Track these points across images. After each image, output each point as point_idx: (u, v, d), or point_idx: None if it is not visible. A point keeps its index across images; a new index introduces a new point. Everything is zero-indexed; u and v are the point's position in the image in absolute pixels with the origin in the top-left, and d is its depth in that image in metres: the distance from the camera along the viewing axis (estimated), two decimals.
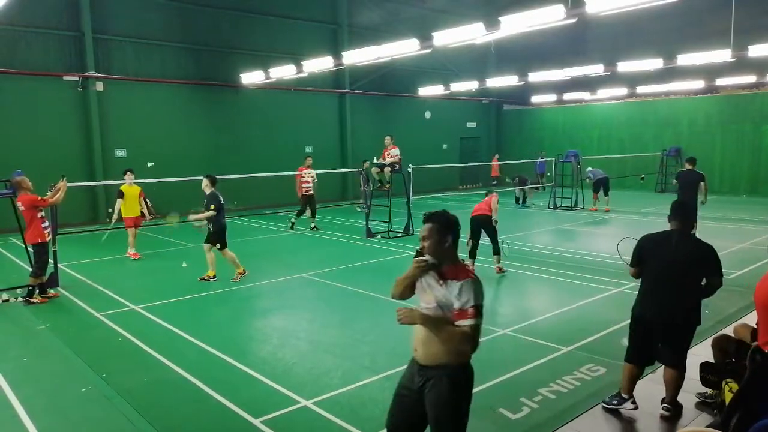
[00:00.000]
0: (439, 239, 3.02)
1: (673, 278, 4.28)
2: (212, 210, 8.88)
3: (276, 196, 19.24)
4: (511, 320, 7.04)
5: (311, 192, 14.55)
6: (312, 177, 14.62)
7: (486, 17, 12.68)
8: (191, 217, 9.16)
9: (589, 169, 17.78)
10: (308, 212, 14.57)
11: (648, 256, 4.46)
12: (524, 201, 19.71)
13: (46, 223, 8.39)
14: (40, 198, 8.24)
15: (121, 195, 11.14)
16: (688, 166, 12.89)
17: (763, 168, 21.37)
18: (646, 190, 22.52)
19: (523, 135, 28.42)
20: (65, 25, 15.97)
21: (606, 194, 17.09)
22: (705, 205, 11.34)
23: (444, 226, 3.04)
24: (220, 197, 9.11)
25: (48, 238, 8.27)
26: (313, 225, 14.59)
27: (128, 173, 11.45)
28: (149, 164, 16.82)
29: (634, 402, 4.52)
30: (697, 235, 4.61)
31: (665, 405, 4.47)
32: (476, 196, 22.47)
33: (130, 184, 11.27)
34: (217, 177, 9.42)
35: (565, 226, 14.91)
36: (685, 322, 4.31)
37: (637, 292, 4.57)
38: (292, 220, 14.74)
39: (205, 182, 9.14)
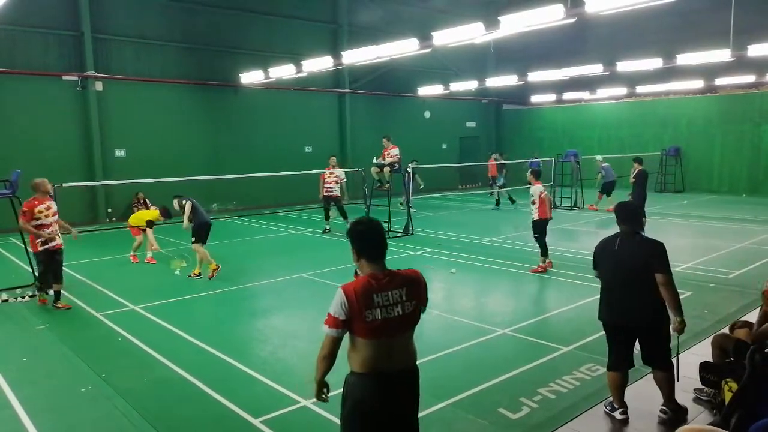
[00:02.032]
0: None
1: (623, 279, 4.27)
2: (188, 218, 9.39)
3: (276, 196, 19.25)
4: (511, 320, 7.04)
5: (332, 193, 14.02)
6: (336, 177, 14.11)
7: (485, 17, 12.70)
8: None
9: (605, 165, 17.21)
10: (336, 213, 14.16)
11: (599, 260, 4.51)
12: (506, 201, 19.63)
13: (49, 230, 7.69)
14: (24, 210, 7.59)
15: (151, 225, 10.79)
16: (639, 166, 13.12)
17: (763, 168, 21.37)
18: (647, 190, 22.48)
19: (523, 135, 28.41)
20: (65, 25, 15.97)
21: (609, 195, 16.91)
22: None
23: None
24: (193, 199, 9.59)
25: (39, 249, 7.66)
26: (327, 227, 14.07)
27: (163, 214, 10.66)
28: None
29: (623, 413, 4.46)
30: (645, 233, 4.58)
31: (662, 407, 4.46)
32: (476, 195, 22.58)
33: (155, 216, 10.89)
34: (217, 177, 9.56)
35: (565, 226, 14.91)
36: (652, 321, 4.27)
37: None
38: (326, 227, 14.07)
39: (175, 203, 9.73)
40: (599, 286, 4.56)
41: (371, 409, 2.83)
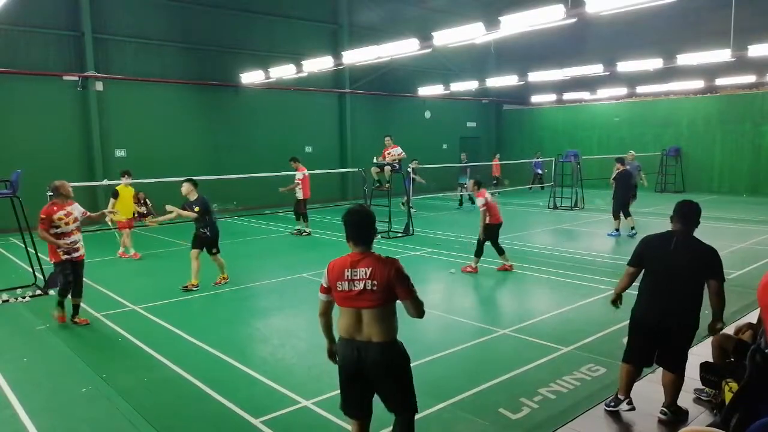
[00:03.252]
0: None
1: (674, 282, 4.20)
2: (196, 211, 8.53)
3: (276, 196, 19.21)
4: (511, 320, 7.04)
5: (297, 195, 13.90)
6: (297, 180, 13.95)
7: (486, 17, 12.68)
8: (160, 219, 9.42)
9: (636, 164, 15.52)
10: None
11: (649, 258, 4.37)
12: (467, 201, 19.46)
13: (71, 239, 6.97)
14: (42, 217, 6.83)
15: (116, 195, 11.15)
16: (622, 167, 13.06)
17: (763, 168, 21.37)
18: (646, 190, 22.48)
19: (523, 135, 28.43)
20: (65, 25, 15.97)
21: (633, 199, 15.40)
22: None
23: None
24: (208, 202, 8.83)
25: (62, 258, 6.91)
26: (296, 229, 14.02)
27: (126, 175, 11.57)
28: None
29: (630, 402, 4.49)
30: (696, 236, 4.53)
31: (663, 408, 4.45)
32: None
33: (126, 185, 11.34)
34: (218, 177, 9.43)
35: (565, 226, 14.91)
36: (686, 326, 4.26)
37: (636, 293, 4.51)
38: (299, 228, 14.03)
39: (188, 187, 8.72)
40: (610, 281, 4.54)
41: (347, 370, 3.38)
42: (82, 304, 7.22)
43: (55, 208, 6.88)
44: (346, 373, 3.40)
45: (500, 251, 9.59)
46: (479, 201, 9.40)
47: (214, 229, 8.83)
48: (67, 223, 6.91)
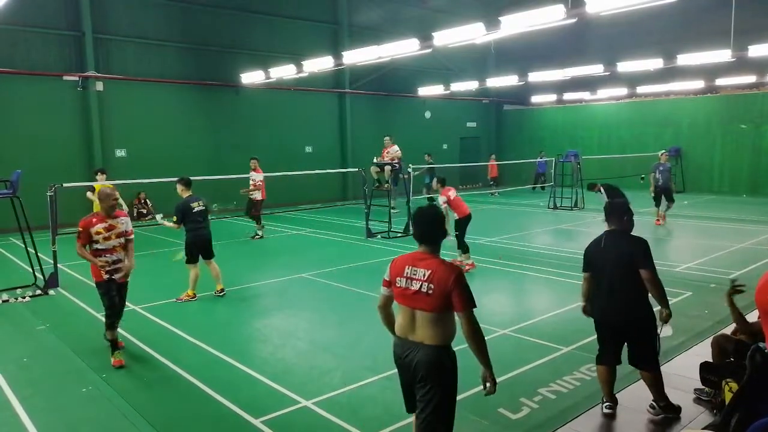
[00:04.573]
0: None
1: (610, 279, 4.31)
2: (174, 222, 7.99)
3: (276, 196, 19.19)
4: (511, 320, 7.04)
5: (253, 196, 13.48)
6: (254, 182, 13.51)
7: (486, 17, 12.67)
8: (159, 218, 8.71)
9: (668, 165, 14.47)
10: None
11: (588, 261, 4.55)
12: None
13: (112, 257, 5.85)
14: (79, 230, 5.77)
15: (93, 190, 11.20)
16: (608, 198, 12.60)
17: (763, 168, 21.36)
18: (646, 190, 22.49)
19: (523, 135, 28.43)
20: (65, 25, 15.98)
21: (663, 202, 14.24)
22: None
23: None
24: (193, 206, 8.05)
25: (105, 277, 5.82)
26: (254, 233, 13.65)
27: (100, 173, 11.73)
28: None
29: (610, 407, 4.54)
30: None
31: (651, 403, 4.51)
32: (476, 196, 22.56)
33: (102, 185, 11.36)
34: (218, 177, 9.25)
35: (565, 226, 14.91)
36: (637, 319, 4.31)
37: None
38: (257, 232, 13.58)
39: (179, 188, 8.26)
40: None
41: (399, 370, 3.40)
42: (81, 304, 7.17)
43: (94, 220, 5.79)
44: (400, 373, 3.40)
45: (465, 248, 9.70)
46: (441, 199, 9.52)
47: (195, 236, 8.08)
48: (107, 239, 5.79)
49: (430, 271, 3.19)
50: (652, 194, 14.23)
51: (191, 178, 8.59)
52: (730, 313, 4.42)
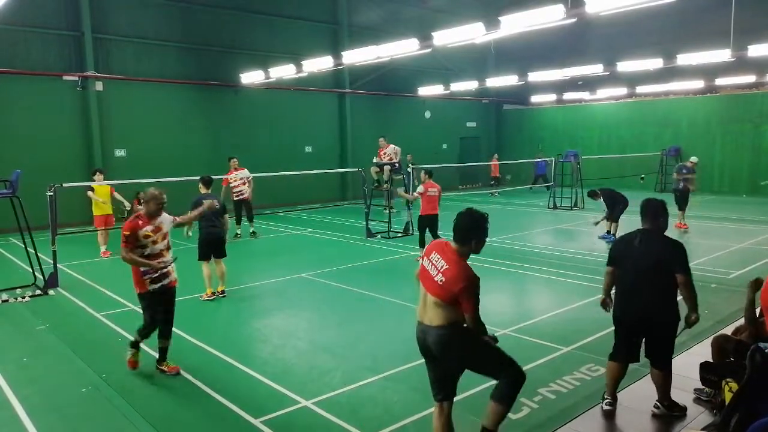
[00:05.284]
0: None
1: (643, 278, 4.27)
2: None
3: (276, 196, 19.24)
4: (511, 320, 7.03)
5: (244, 196, 13.27)
6: (242, 180, 13.31)
7: (486, 17, 12.68)
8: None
9: (691, 162, 13.83)
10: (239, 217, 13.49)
11: (619, 256, 4.49)
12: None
13: (161, 261, 5.42)
14: (125, 233, 5.31)
15: (92, 189, 11.33)
16: (597, 197, 12.13)
17: (763, 168, 21.36)
18: (647, 190, 22.52)
19: (523, 135, 28.43)
20: (65, 25, 15.97)
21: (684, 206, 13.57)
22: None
23: None
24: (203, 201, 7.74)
25: (150, 288, 5.42)
26: (252, 230, 13.63)
27: (98, 173, 11.79)
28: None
29: (610, 404, 4.54)
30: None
31: (656, 403, 4.51)
32: (476, 196, 22.58)
33: (100, 185, 11.50)
34: (218, 177, 9.19)
35: (565, 226, 14.92)
36: (664, 321, 4.29)
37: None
38: (237, 231, 13.36)
39: (200, 185, 8.47)
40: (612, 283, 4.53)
41: (421, 352, 3.72)
42: (81, 304, 7.14)
43: (140, 222, 5.35)
44: (424, 357, 3.71)
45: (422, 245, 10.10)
46: (419, 188, 10.26)
47: (208, 234, 8.16)
48: (155, 242, 5.39)
49: (448, 266, 3.49)
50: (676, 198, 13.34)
51: (192, 178, 8.57)
52: (745, 307, 4.40)
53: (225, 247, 8.37)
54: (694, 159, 14.17)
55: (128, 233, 5.27)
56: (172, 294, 5.63)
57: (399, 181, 15.54)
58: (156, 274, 5.39)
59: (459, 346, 3.57)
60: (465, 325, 3.56)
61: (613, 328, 4.61)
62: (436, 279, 3.50)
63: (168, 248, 5.56)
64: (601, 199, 11.99)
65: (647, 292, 4.26)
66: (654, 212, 4.38)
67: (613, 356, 4.55)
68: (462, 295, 3.43)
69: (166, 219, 5.62)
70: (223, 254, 8.31)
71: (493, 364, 3.67)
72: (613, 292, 4.60)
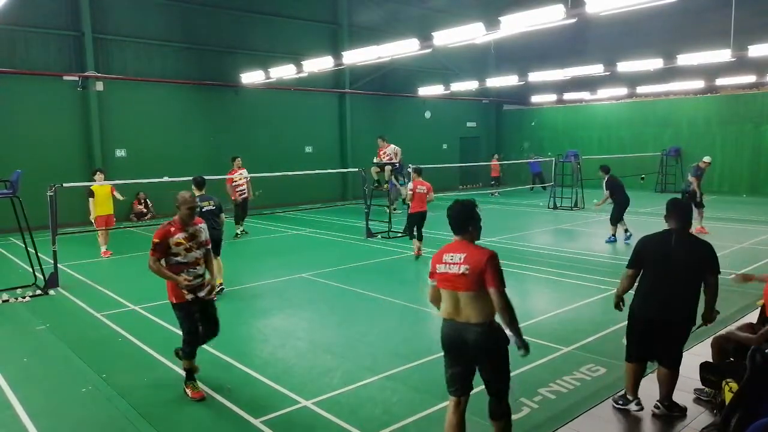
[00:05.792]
0: None
1: (675, 278, 4.25)
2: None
3: (276, 196, 19.24)
4: None
5: (246, 195, 13.47)
6: (246, 179, 13.50)
7: (486, 17, 12.66)
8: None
9: (703, 162, 13.46)
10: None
11: (649, 257, 4.42)
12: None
13: (195, 271, 5.05)
14: (154, 241, 4.93)
15: (92, 195, 11.19)
16: (605, 174, 12.23)
17: (763, 168, 21.36)
18: (647, 190, 22.52)
19: (523, 135, 28.42)
20: (65, 25, 15.97)
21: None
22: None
23: None
24: (203, 205, 7.55)
25: (188, 297, 5.02)
26: (242, 229, 13.70)
27: (98, 173, 11.76)
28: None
29: (638, 404, 4.54)
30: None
31: (657, 402, 4.50)
32: (476, 196, 22.55)
33: (100, 185, 11.42)
34: (218, 177, 9.17)
35: (565, 226, 14.92)
36: (685, 319, 4.31)
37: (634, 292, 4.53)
38: (237, 231, 13.52)
39: (193, 188, 8.03)
40: (610, 281, 4.55)
41: (450, 349, 3.74)
42: (81, 304, 7.12)
43: (172, 229, 4.98)
44: (449, 353, 3.74)
45: (419, 237, 10.79)
46: (409, 185, 10.71)
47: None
48: (188, 250, 5.01)
49: (465, 255, 3.59)
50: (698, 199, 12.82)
51: (189, 178, 8.51)
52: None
53: (219, 246, 8.36)
54: (707, 159, 13.67)
55: (158, 240, 4.90)
56: (211, 304, 5.30)
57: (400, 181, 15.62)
58: (191, 284, 5.00)
59: (495, 344, 3.68)
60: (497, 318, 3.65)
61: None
62: (461, 272, 3.57)
63: (203, 257, 5.15)
64: (606, 179, 12.12)
65: (678, 291, 4.26)
66: (684, 212, 4.44)
67: (633, 357, 4.53)
68: (487, 268, 3.51)
69: (203, 229, 5.23)
70: (218, 252, 8.33)
71: (507, 372, 3.77)
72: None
